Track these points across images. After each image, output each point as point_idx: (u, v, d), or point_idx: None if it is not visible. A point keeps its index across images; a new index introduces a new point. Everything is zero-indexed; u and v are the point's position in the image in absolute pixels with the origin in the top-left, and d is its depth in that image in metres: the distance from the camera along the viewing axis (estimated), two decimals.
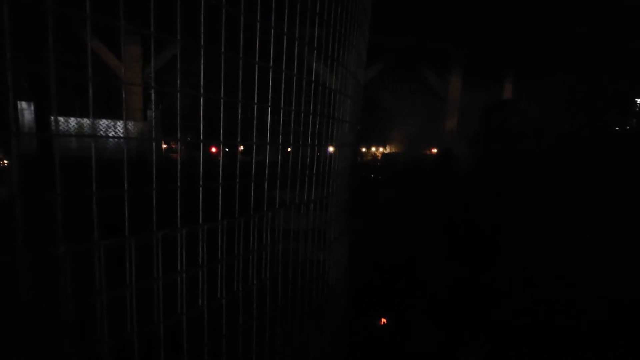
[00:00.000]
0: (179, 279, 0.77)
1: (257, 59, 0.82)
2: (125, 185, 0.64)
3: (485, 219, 1.98)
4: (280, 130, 0.98)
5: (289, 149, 1.10)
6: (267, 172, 0.94)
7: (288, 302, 1.13)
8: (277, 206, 1.04)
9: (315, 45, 1.08)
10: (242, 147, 1.04)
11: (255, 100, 0.86)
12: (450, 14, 11.89)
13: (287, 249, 1.11)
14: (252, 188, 0.92)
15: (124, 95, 0.61)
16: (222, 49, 0.74)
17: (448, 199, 2.12)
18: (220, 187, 0.82)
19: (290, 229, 1.13)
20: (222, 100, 0.78)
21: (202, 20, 0.73)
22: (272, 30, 0.87)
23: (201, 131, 0.77)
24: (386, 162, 15.82)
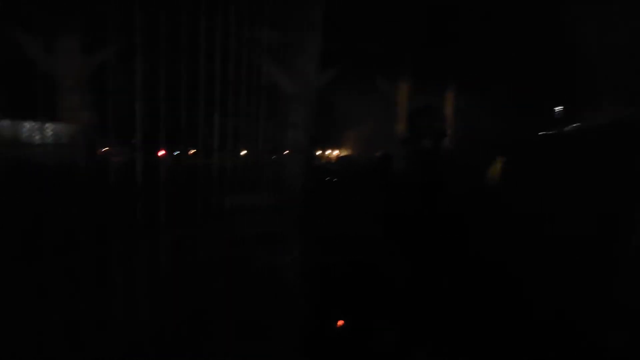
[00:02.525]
0: (113, 294, 0.71)
1: (201, 60, 0.79)
2: (46, 193, 0.57)
3: (411, 213, 2.09)
4: (228, 135, 0.95)
5: (242, 154, 1.07)
6: (213, 177, 0.90)
7: (240, 310, 1.09)
8: (227, 213, 1.00)
9: (267, 47, 1.06)
10: (193, 151, 0.99)
11: (202, 104, 0.82)
12: (398, 21, 12.45)
13: (239, 256, 1.07)
14: (197, 194, 0.87)
15: (41, 94, 0.54)
16: (162, 47, 0.70)
17: (388, 198, 2.22)
18: (160, 195, 0.76)
19: (243, 235, 1.09)
20: (161, 102, 0.73)
21: (138, 15, 0.68)
22: (219, 31, 0.83)
23: (138, 134, 0.71)
24: (341, 165, 16.03)
